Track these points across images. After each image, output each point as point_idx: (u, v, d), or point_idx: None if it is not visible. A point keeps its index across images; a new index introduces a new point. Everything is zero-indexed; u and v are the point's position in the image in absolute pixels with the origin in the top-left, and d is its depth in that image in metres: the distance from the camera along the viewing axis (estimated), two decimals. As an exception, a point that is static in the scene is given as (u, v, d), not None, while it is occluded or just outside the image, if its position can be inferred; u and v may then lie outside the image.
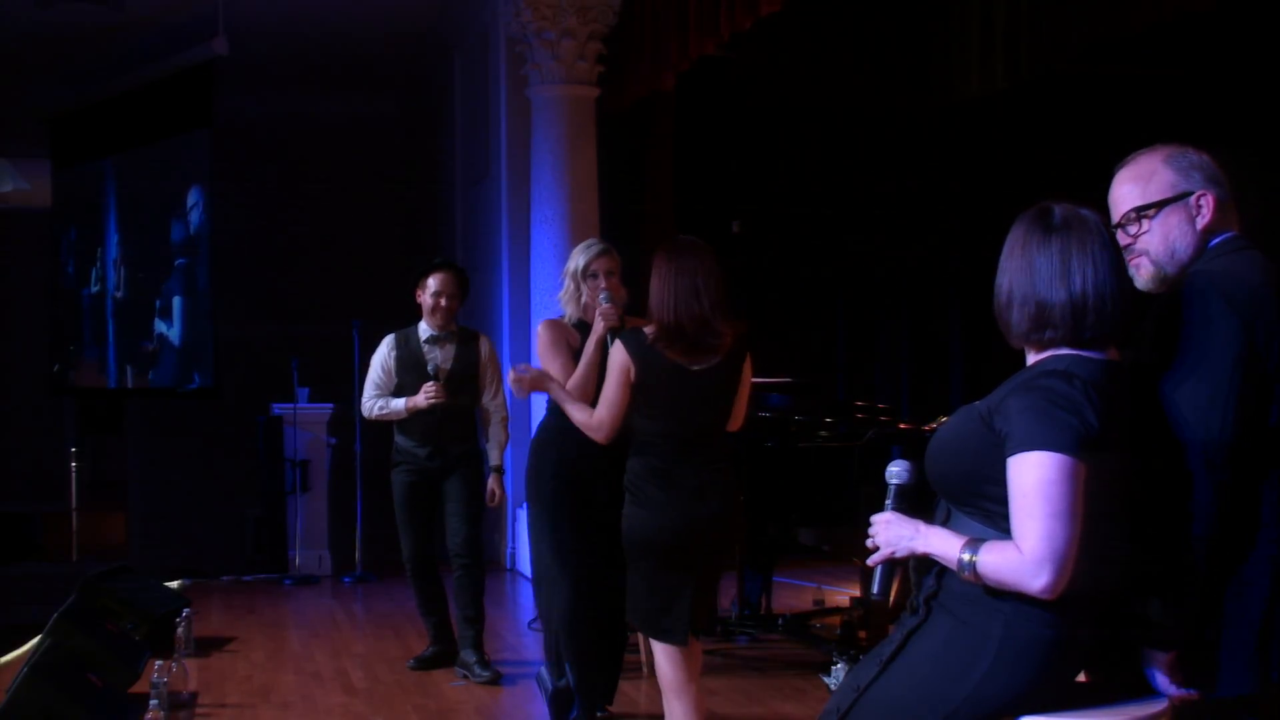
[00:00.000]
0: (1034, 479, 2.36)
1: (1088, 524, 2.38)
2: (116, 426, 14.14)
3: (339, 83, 12.74)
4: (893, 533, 2.55)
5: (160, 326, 11.54)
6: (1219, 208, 2.69)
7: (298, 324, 12.32)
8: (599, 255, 5.02)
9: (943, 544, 2.48)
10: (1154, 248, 2.72)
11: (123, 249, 11.98)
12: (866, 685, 2.55)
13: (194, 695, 5.90)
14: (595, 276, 4.98)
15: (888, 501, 2.63)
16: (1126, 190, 2.76)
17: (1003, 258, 2.58)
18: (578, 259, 5.07)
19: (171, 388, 11.42)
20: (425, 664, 6.41)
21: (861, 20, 9.40)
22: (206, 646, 6.94)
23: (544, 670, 5.25)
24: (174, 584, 8.63)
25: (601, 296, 4.86)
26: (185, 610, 6.76)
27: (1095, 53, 7.72)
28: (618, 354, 4.26)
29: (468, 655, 6.21)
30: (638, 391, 4.23)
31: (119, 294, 12.06)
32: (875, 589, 2.61)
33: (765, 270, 10.24)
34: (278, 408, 9.71)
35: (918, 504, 2.61)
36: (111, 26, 10.95)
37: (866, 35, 9.48)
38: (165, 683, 5.25)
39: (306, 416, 9.56)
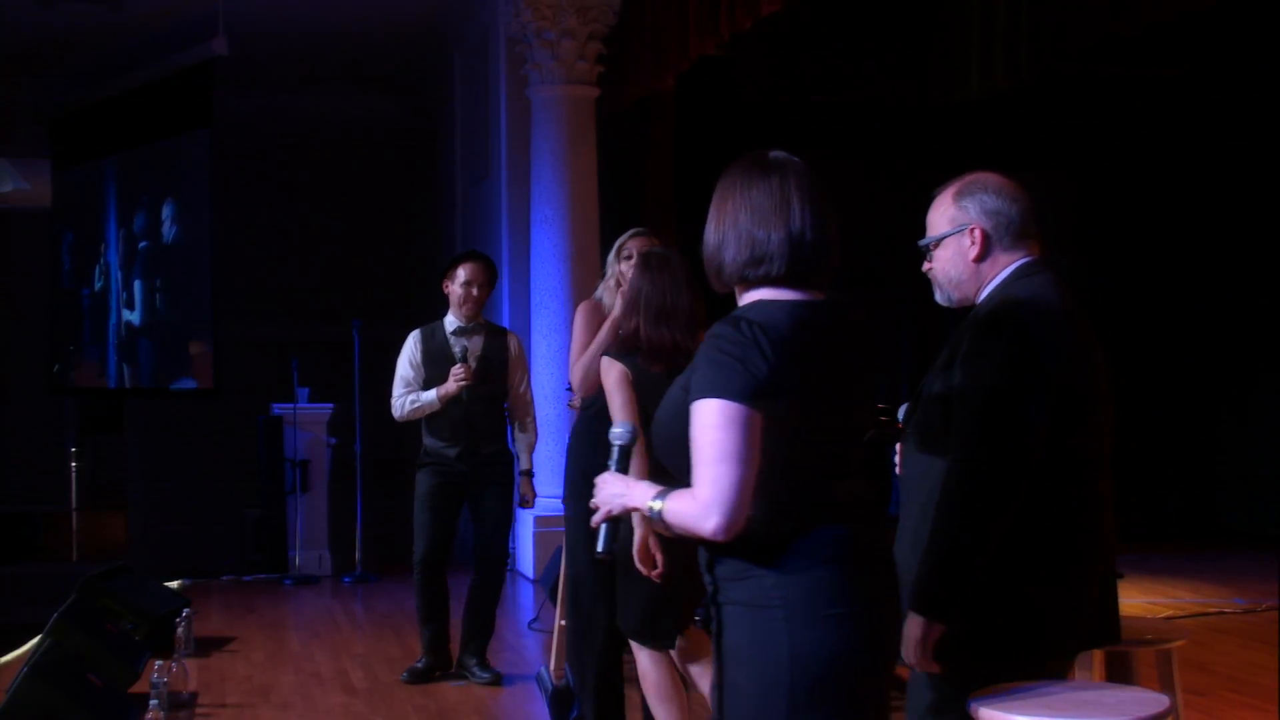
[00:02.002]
0: (701, 425, 2.38)
1: (782, 467, 2.39)
2: (116, 426, 14.15)
3: (339, 82, 12.75)
4: (607, 492, 2.58)
5: (126, 315, 11.68)
6: (994, 238, 2.99)
7: (298, 324, 12.32)
8: (634, 235, 4.93)
9: (642, 496, 2.50)
10: (939, 274, 3.09)
11: (122, 249, 11.99)
12: (719, 685, 2.54)
13: (194, 695, 5.90)
14: (630, 258, 4.81)
15: (610, 462, 2.66)
16: (928, 221, 3.10)
17: (713, 206, 2.58)
18: (617, 242, 4.99)
19: (167, 387, 11.45)
20: (418, 676, 6.22)
21: (861, 20, 9.41)
22: (206, 646, 6.94)
23: (544, 670, 5.24)
24: (174, 584, 8.63)
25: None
26: (185, 610, 6.76)
27: (1095, 53, 7.72)
28: (611, 367, 4.27)
29: (468, 658, 6.19)
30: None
31: (119, 294, 12.06)
32: (600, 547, 2.64)
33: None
34: (278, 408, 9.71)
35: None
36: (111, 26, 10.95)
37: (866, 35, 9.49)
38: (165, 683, 5.25)
39: (306, 416, 9.56)
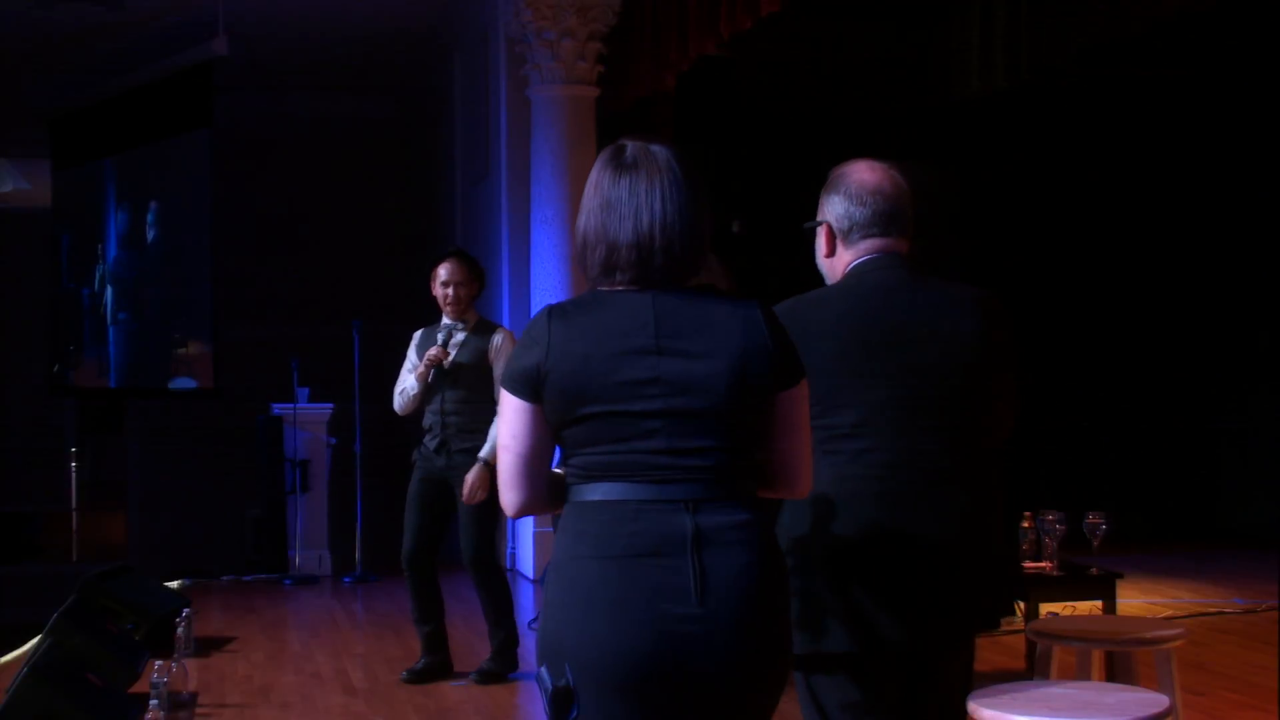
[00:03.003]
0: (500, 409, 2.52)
1: (569, 458, 2.45)
2: (116, 426, 14.15)
3: (339, 83, 12.75)
4: None
5: (126, 314, 11.71)
6: (838, 237, 3.05)
7: (298, 324, 12.33)
8: None
9: None
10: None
11: (122, 248, 12.00)
12: None
13: (194, 695, 5.90)
14: None
15: None
16: None
17: (584, 198, 2.55)
18: None
19: (166, 386, 11.45)
20: (418, 676, 6.17)
21: (862, 20, 9.41)
22: (206, 646, 6.94)
23: (544, 670, 5.24)
24: (174, 584, 8.64)
25: None
26: (185, 610, 6.76)
27: (1095, 53, 7.73)
28: None
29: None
30: None
31: (118, 293, 12.07)
32: None
33: (765, 271, 10.24)
34: (278, 408, 9.70)
35: None
36: (111, 26, 10.96)
37: (867, 35, 9.49)
38: (165, 683, 5.24)
39: (306, 416, 9.57)
